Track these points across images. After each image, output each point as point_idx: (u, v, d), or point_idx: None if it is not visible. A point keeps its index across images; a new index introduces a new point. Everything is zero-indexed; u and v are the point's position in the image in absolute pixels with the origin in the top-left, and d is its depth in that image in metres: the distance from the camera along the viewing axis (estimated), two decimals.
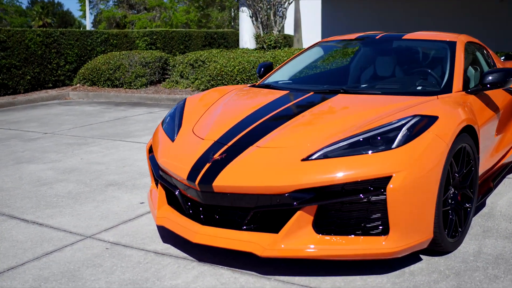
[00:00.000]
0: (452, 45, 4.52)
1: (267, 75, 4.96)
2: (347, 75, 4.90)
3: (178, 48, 19.08)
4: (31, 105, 12.56)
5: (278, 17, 12.86)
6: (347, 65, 5.09)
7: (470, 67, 4.67)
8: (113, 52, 15.22)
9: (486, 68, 5.00)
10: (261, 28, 12.95)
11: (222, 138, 3.51)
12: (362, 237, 3.00)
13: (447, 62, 4.32)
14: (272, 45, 12.60)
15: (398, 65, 4.76)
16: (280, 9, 12.91)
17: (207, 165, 3.26)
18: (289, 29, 18.21)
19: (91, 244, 3.81)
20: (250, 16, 13.35)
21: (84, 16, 47.63)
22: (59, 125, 9.30)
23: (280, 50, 12.19)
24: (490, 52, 5.33)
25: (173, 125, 4.02)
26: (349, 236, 3.01)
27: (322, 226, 3.04)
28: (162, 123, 4.20)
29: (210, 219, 3.30)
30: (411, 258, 3.38)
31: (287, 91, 4.26)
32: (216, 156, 3.32)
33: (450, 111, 3.51)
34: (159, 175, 3.67)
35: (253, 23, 13.31)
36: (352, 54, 5.21)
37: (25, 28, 14.35)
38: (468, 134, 3.56)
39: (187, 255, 3.54)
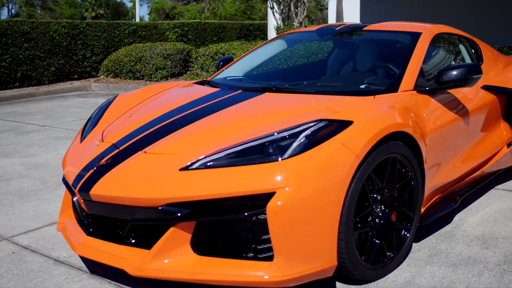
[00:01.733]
0: (415, 37, 4.00)
1: (220, 70, 4.65)
2: (295, 71, 4.50)
3: (211, 40, 18.89)
4: (50, 96, 12.64)
5: (299, 8, 12.39)
6: (302, 59, 4.70)
7: (441, 62, 4.21)
8: (137, 44, 15.17)
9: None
10: (281, 20, 12.55)
11: (120, 141, 3.22)
12: (247, 261, 2.63)
13: (404, 56, 3.82)
14: None
15: (351, 60, 4.33)
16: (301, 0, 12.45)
17: (91, 171, 3.00)
18: (332, 21, 17.68)
19: (1, 247, 3.64)
20: (270, 7, 12.96)
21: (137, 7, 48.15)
22: (62, 118, 9.25)
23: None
24: (482, 46, 4.76)
25: (90, 124, 3.78)
26: (233, 260, 2.65)
27: (204, 246, 2.71)
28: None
29: (96, 229, 3.05)
30: (327, 285, 2.99)
31: (218, 89, 3.94)
32: (103, 161, 3.04)
33: (373, 115, 2.96)
34: (63, 178, 3.44)
35: (273, 15, 12.92)
36: (314, 48, 4.82)
37: (76, 20, 14.51)
38: (404, 142, 3.09)
39: (83, 265, 3.31)
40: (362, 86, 3.69)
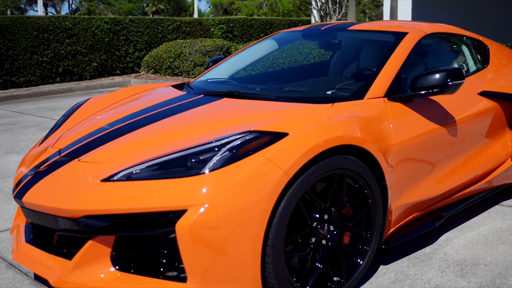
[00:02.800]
0: (398, 37, 3.62)
1: (205, 71, 4.43)
2: (271, 74, 4.21)
3: (257, 36, 18.69)
4: (88, 92, 12.78)
5: (337, 4, 11.99)
6: (284, 62, 4.42)
7: (431, 66, 3.84)
8: (178, 40, 15.16)
9: (465, 66, 4.10)
10: (318, 17, 12.20)
11: (66, 147, 3.08)
12: (163, 281, 2.44)
13: (381, 60, 3.46)
14: None
15: (329, 63, 4.01)
16: None
17: (29, 177, 2.89)
18: (386, 18, 17.15)
19: None
20: (309, 3, 12.62)
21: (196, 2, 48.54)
22: None
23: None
24: (492, 47, 4.31)
25: (54, 127, 3.67)
26: (150, 278, 2.46)
27: (124, 262, 2.53)
28: None
29: (34, 236, 2.94)
30: None
31: (185, 93, 3.72)
32: (42, 167, 2.92)
33: (314, 126, 2.65)
34: None
35: (312, 11, 12.58)
36: (299, 50, 4.53)
37: (135, 15, 14.71)
38: (358, 156, 2.78)
39: (30, 271, 3.21)
40: (329, 92, 3.38)
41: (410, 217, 3.27)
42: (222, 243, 2.34)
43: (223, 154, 2.45)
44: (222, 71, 4.27)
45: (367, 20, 36.67)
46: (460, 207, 3.64)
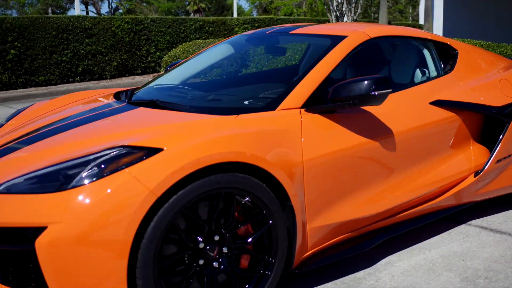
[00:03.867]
0: (335, 41, 3.34)
1: (154, 76, 4.23)
2: (212, 82, 3.95)
3: None
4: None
5: (353, 4, 11.60)
6: (232, 68, 4.16)
7: (372, 73, 3.52)
8: (198, 40, 15.04)
9: (420, 72, 3.78)
10: (333, 17, 11.83)
11: None
12: None
13: (308, 67, 3.18)
14: None
15: (263, 69, 3.74)
16: None
17: None
18: (421, 18, 16.66)
19: None
20: (324, 3, 12.26)
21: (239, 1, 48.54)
22: None
23: None
24: (464, 52, 3.97)
25: None
26: None
27: (6, 275, 2.39)
28: None
29: None
30: None
31: (114, 100, 3.54)
32: None
33: (197, 140, 2.46)
34: None
35: (327, 11, 12.22)
36: (242, 55, 4.26)
37: (176, 14, 14.75)
38: (255, 173, 2.54)
39: None
40: (246, 102, 3.13)
41: (338, 238, 3.01)
42: (84, 262, 2.22)
43: (91, 170, 2.32)
44: (173, 76, 4.07)
45: (406, 20, 35.77)
46: (405, 229, 3.35)
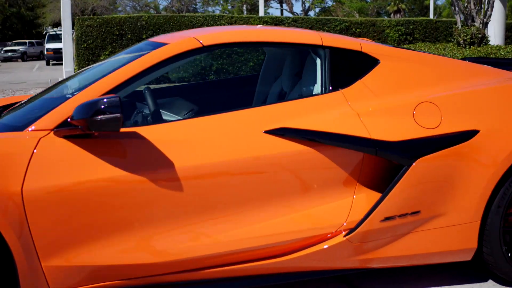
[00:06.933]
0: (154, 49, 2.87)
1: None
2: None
3: (442, 40, 16.87)
4: None
5: (482, 5, 10.02)
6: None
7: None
8: None
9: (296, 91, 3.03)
10: (459, 20, 10.35)
11: None
12: None
13: (93, 80, 2.77)
14: (468, 40, 9.79)
15: None
16: None
17: None
18: None
19: None
20: (451, 3, 10.79)
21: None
22: None
23: (471, 48, 9.50)
24: (389, 63, 3.03)
25: None
26: None
27: None
28: None
29: None
30: None
31: None
32: None
33: None
34: None
35: (454, 13, 10.74)
36: None
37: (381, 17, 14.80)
38: None
39: None
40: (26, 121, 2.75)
41: (107, 283, 2.52)
42: None
43: None
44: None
45: None
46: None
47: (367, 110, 2.86)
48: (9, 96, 6.19)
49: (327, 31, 15.35)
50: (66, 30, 13.13)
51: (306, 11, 44.61)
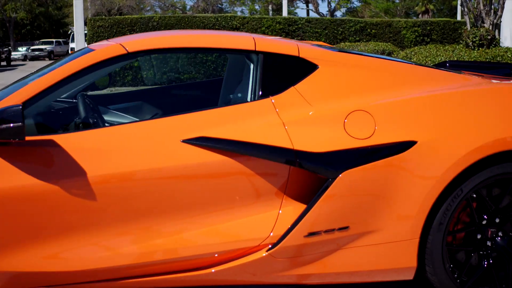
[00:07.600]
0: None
1: None
2: None
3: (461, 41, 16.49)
4: None
5: (492, 6, 9.71)
6: None
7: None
8: (343, 42, 14.21)
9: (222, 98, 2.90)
10: (468, 20, 10.04)
11: None
12: None
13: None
14: (477, 42, 9.48)
15: None
16: None
17: None
18: None
19: None
20: (460, 4, 10.48)
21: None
22: None
23: (479, 50, 9.20)
24: (328, 69, 2.87)
25: None
26: None
27: None
28: None
29: None
30: None
31: None
32: None
33: None
34: None
35: (464, 13, 10.42)
36: None
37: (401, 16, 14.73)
38: None
39: None
40: None
41: None
42: None
43: None
44: None
45: None
46: None
47: (295, 118, 2.71)
48: None
49: (342, 31, 15.16)
50: (79, 30, 13.24)
51: (332, 12, 44.26)
